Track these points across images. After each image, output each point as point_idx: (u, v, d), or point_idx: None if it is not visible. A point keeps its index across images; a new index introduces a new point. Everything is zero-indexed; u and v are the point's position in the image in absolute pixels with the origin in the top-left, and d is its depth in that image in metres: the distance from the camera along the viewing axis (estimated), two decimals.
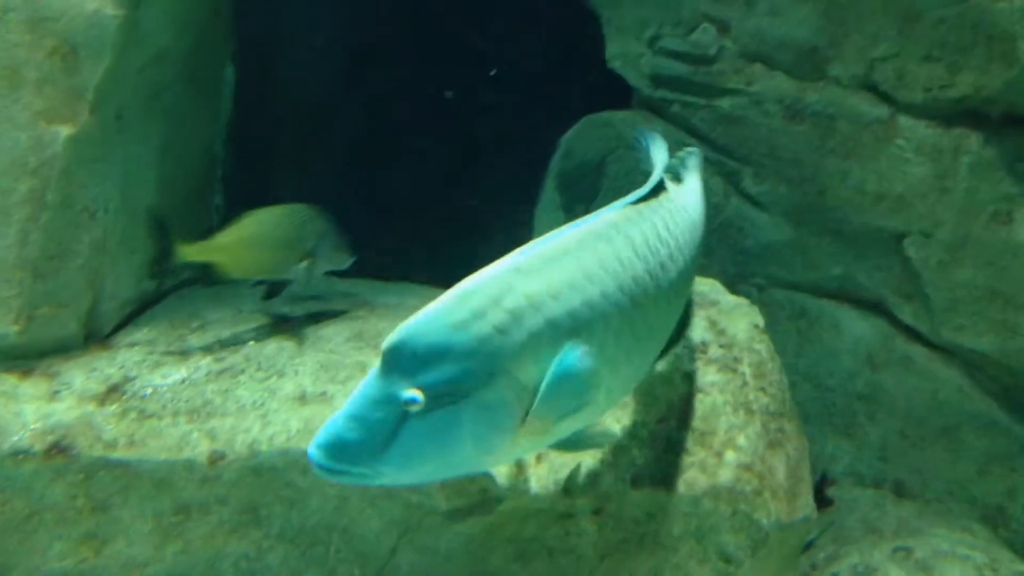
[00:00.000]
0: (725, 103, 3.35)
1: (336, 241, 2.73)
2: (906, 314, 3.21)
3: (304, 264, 2.68)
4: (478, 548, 2.17)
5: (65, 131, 2.50)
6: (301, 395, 2.32)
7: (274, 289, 2.79)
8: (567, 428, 1.72)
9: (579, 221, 1.81)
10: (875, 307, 3.29)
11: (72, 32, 2.51)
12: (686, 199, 2.18)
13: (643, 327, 1.80)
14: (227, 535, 2.23)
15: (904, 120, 3.13)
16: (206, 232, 2.60)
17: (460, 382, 1.57)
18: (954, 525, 3.02)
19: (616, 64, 3.54)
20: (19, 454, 2.24)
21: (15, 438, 2.26)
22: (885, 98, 3.16)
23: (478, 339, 1.58)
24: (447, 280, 3.03)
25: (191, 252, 2.57)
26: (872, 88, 3.17)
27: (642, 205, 1.95)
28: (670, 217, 1.99)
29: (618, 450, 2.18)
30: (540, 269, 1.67)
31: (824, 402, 3.36)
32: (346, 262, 2.79)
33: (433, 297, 2.64)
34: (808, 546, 2.96)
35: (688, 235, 2.04)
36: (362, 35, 3.92)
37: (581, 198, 3.70)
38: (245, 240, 2.60)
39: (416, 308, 2.81)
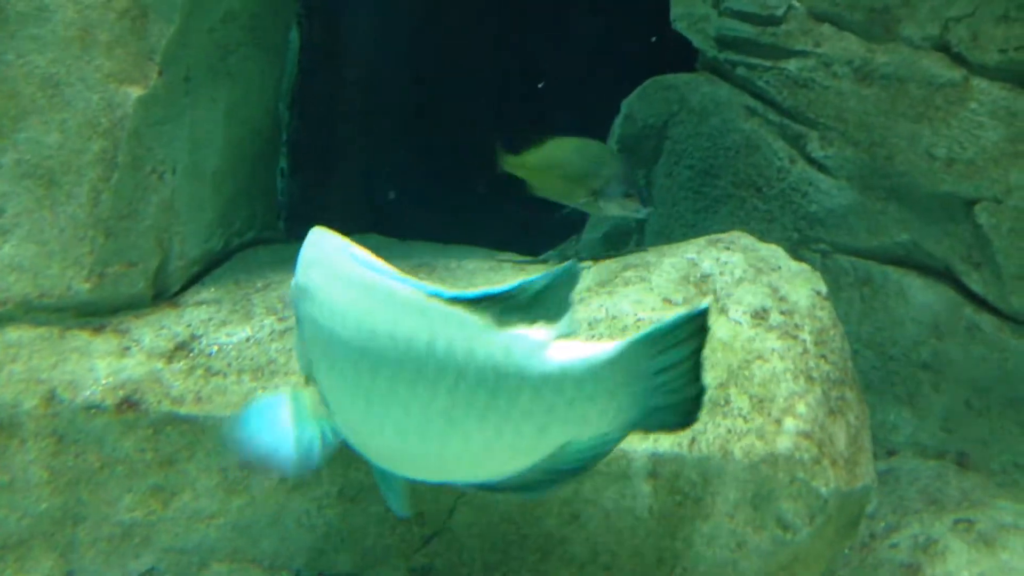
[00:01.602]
0: (792, 65, 3.29)
1: (626, 189, 2.65)
2: (974, 282, 3.15)
3: (586, 200, 2.65)
4: (534, 509, 2.20)
5: (135, 92, 2.55)
6: None
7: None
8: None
9: (397, 279, 1.79)
10: (942, 274, 3.22)
11: None
12: (526, 355, 1.75)
13: (405, 420, 1.77)
14: (289, 491, 2.28)
15: (978, 82, 3.05)
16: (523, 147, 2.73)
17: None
18: (1018, 498, 2.97)
19: (681, 26, 3.50)
20: (92, 408, 2.31)
21: (88, 392, 2.33)
22: (959, 60, 3.08)
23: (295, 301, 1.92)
24: (507, 243, 3.05)
25: (508, 163, 2.72)
26: (945, 49, 3.09)
27: (456, 309, 1.72)
28: (473, 356, 1.73)
29: None
30: (324, 289, 1.83)
31: (887, 371, 3.32)
32: (638, 212, 2.70)
33: (491, 259, 2.67)
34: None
35: (498, 386, 1.74)
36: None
37: (642, 162, 3.67)
38: (543, 162, 2.68)
39: (475, 271, 2.82)
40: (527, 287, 1.72)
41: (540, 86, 3.97)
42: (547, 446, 1.80)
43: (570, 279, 1.75)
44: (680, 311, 1.81)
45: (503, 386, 1.74)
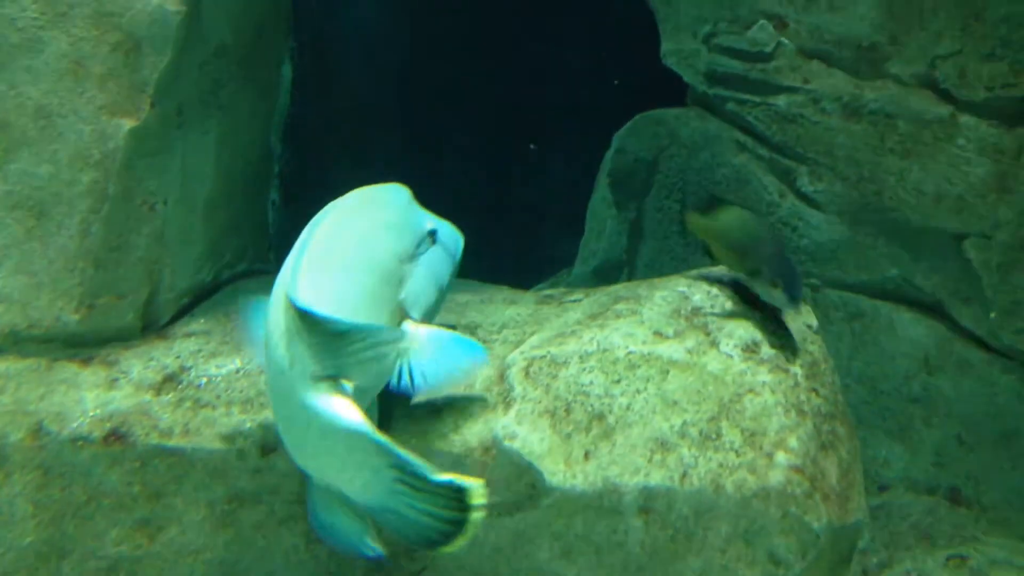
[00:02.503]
0: (781, 101, 3.32)
1: (773, 277, 2.37)
2: (964, 317, 3.16)
3: (745, 275, 2.48)
4: (525, 543, 2.18)
5: (127, 124, 2.55)
6: None
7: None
8: None
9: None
10: (932, 309, 3.23)
11: (136, 27, 2.56)
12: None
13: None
14: (278, 525, 2.26)
15: (965, 119, 3.08)
16: (707, 208, 2.63)
17: None
18: (1011, 534, 2.96)
19: (671, 61, 3.53)
20: (79, 440, 2.29)
21: (75, 424, 2.31)
22: (946, 97, 3.11)
23: None
24: (500, 276, 3.04)
25: (693, 222, 2.62)
26: (933, 86, 3.12)
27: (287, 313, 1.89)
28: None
29: (667, 448, 2.17)
30: None
31: (878, 405, 3.31)
32: (784, 305, 2.39)
33: (486, 292, 2.67)
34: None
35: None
36: (418, 34, 3.95)
37: (633, 195, 3.68)
38: (714, 229, 2.57)
39: (466, 304, 2.81)
40: (331, 324, 1.85)
41: (532, 147, 4.01)
42: (322, 469, 1.92)
43: (381, 339, 1.92)
44: (447, 478, 1.81)
45: (283, 388, 1.92)
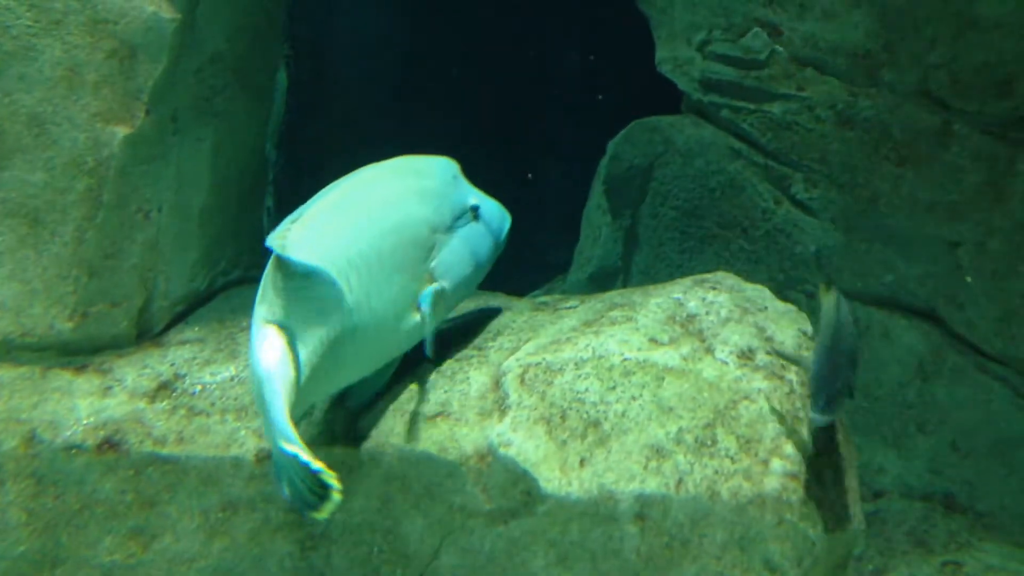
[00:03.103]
0: (776, 108, 3.32)
1: (816, 379, 2.20)
2: (959, 324, 3.16)
3: None
4: (521, 551, 2.18)
5: (121, 132, 2.55)
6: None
7: None
8: None
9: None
10: (927, 316, 3.24)
11: (130, 35, 2.56)
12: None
13: None
14: (272, 533, 2.25)
15: (959, 127, 3.09)
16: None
17: None
18: (1005, 540, 2.97)
19: (666, 68, 3.53)
20: (72, 448, 2.29)
21: (68, 432, 2.31)
22: (940, 104, 3.11)
23: None
24: (497, 283, 3.04)
25: (824, 293, 2.47)
26: (927, 94, 3.12)
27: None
28: None
29: (662, 455, 2.17)
30: None
31: (873, 412, 3.31)
32: (812, 405, 2.19)
33: (481, 298, 2.67)
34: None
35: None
36: (413, 40, 3.95)
37: (628, 203, 3.68)
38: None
39: (460, 309, 2.80)
40: (292, 266, 1.94)
41: (529, 176, 4.03)
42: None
43: (322, 286, 1.96)
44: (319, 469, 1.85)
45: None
